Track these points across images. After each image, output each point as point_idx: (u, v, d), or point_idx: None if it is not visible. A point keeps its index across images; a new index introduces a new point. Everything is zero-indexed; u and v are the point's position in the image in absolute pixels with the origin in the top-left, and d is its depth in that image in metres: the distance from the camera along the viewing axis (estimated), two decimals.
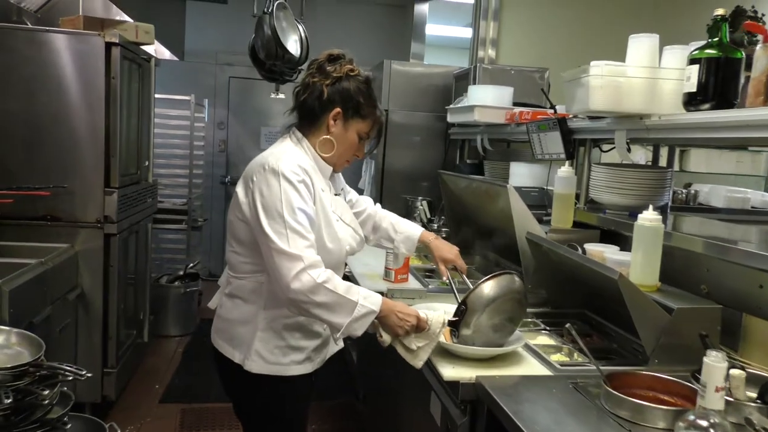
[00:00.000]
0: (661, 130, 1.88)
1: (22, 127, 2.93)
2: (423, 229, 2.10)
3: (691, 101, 1.73)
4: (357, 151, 1.75)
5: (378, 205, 2.13)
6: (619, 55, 2.00)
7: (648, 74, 1.90)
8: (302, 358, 1.69)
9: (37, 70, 2.91)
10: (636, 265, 1.80)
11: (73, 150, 2.96)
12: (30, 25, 3.23)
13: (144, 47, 3.48)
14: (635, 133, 2.00)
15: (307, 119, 1.72)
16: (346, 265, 1.92)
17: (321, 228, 1.63)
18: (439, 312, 1.65)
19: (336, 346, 1.84)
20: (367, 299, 1.53)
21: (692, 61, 1.72)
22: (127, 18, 3.65)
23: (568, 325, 1.58)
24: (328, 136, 1.70)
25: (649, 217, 1.78)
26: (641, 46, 1.92)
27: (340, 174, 1.86)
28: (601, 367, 1.50)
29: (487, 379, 1.53)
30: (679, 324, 1.61)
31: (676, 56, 1.90)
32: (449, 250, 2.04)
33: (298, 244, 1.50)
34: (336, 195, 1.80)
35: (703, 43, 1.74)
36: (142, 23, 3.27)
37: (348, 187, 2.01)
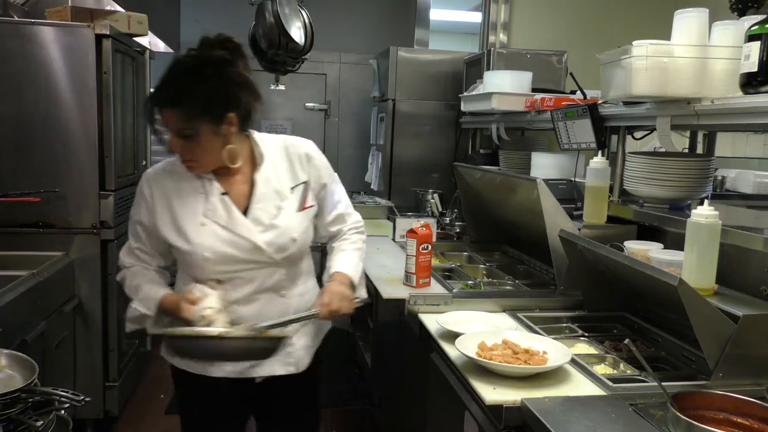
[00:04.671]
0: (714, 116, 1.70)
1: (9, 128, 2.75)
2: (343, 269, 1.72)
3: (750, 82, 1.55)
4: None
5: (355, 236, 1.81)
6: (641, 34, 1.84)
7: (697, 54, 1.71)
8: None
9: (23, 67, 2.73)
10: (690, 266, 1.63)
11: (64, 151, 2.78)
12: (15, 18, 3.03)
13: (137, 39, 3.29)
14: (681, 120, 1.83)
15: None
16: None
17: (172, 231, 1.60)
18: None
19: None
20: (143, 301, 1.62)
21: (751, 37, 1.54)
22: (118, 8, 3.45)
23: (627, 341, 1.40)
24: None
25: (704, 213, 1.61)
26: (689, 22, 1.74)
27: (309, 179, 1.69)
28: (663, 384, 1.33)
29: (534, 402, 1.37)
30: (746, 333, 1.44)
31: (728, 33, 1.72)
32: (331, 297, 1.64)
33: (124, 247, 1.70)
34: (224, 194, 1.60)
35: (760, 18, 1.56)
36: (135, 13, 3.09)
37: (342, 204, 1.78)
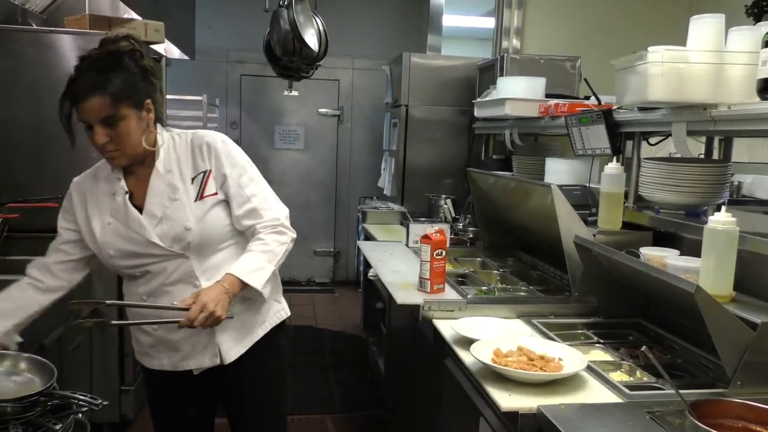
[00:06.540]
0: (731, 122, 1.69)
1: (28, 135, 2.78)
2: (233, 270, 1.64)
3: (767, 88, 1.54)
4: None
5: (270, 236, 1.68)
6: (654, 40, 1.83)
7: (713, 59, 1.71)
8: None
9: (42, 74, 2.76)
10: (708, 273, 1.62)
11: (82, 157, 2.78)
12: (34, 26, 3.08)
13: (154, 46, 3.31)
14: (697, 125, 1.82)
15: None
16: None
17: (87, 233, 1.68)
18: None
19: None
20: None
21: None
22: (135, 16, 3.49)
23: (644, 348, 1.40)
24: None
25: (721, 219, 1.60)
26: (705, 28, 1.73)
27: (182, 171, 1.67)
28: (681, 392, 1.32)
29: (550, 409, 1.36)
30: (764, 340, 1.43)
31: (745, 38, 1.71)
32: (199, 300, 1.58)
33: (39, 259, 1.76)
34: (127, 193, 1.65)
35: None
36: (152, 21, 3.11)
37: (257, 199, 1.68)
